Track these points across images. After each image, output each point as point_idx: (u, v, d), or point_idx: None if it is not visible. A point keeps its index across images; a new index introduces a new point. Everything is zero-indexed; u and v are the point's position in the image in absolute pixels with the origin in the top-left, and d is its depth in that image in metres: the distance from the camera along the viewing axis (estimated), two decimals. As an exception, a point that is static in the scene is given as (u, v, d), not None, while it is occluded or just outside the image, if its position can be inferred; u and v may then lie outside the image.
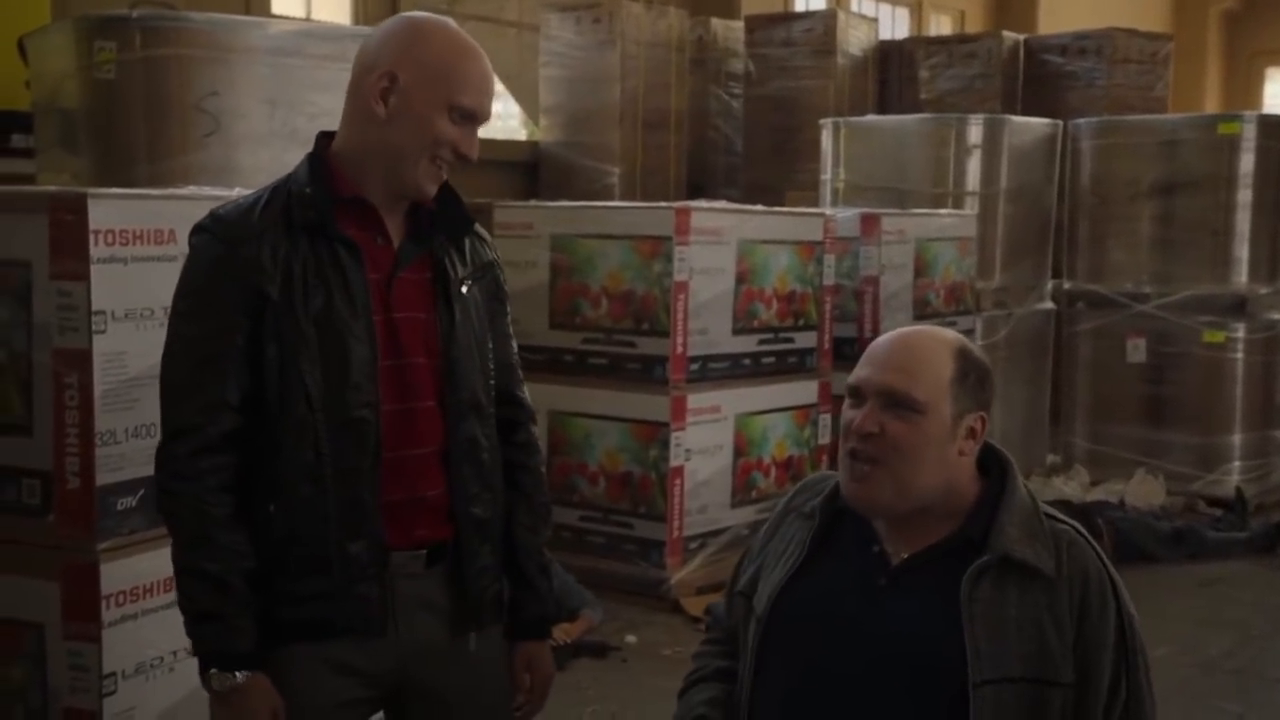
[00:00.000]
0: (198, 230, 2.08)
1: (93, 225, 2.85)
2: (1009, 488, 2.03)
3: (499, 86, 9.90)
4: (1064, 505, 6.27)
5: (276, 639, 2.06)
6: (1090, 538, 2.06)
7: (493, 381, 2.21)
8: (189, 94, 4.10)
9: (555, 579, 4.94)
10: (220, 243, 2.04)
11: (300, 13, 7.93)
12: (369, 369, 2.04)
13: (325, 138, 2.14)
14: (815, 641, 2.04)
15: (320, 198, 2.05)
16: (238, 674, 2.01)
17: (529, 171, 8.71)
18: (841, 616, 2.03)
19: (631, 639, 4.90)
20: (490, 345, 2.22)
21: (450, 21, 2.12)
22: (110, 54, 4.09)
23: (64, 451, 2.92)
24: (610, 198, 8.14)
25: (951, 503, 2.03)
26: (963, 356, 2.03)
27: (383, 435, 2.05)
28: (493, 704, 2.27)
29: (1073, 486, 6.97)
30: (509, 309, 2.33)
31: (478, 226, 2.26)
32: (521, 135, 9.56)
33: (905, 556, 2.03)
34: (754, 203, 8.21)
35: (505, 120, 10.06)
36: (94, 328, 2.86)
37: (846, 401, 2.08)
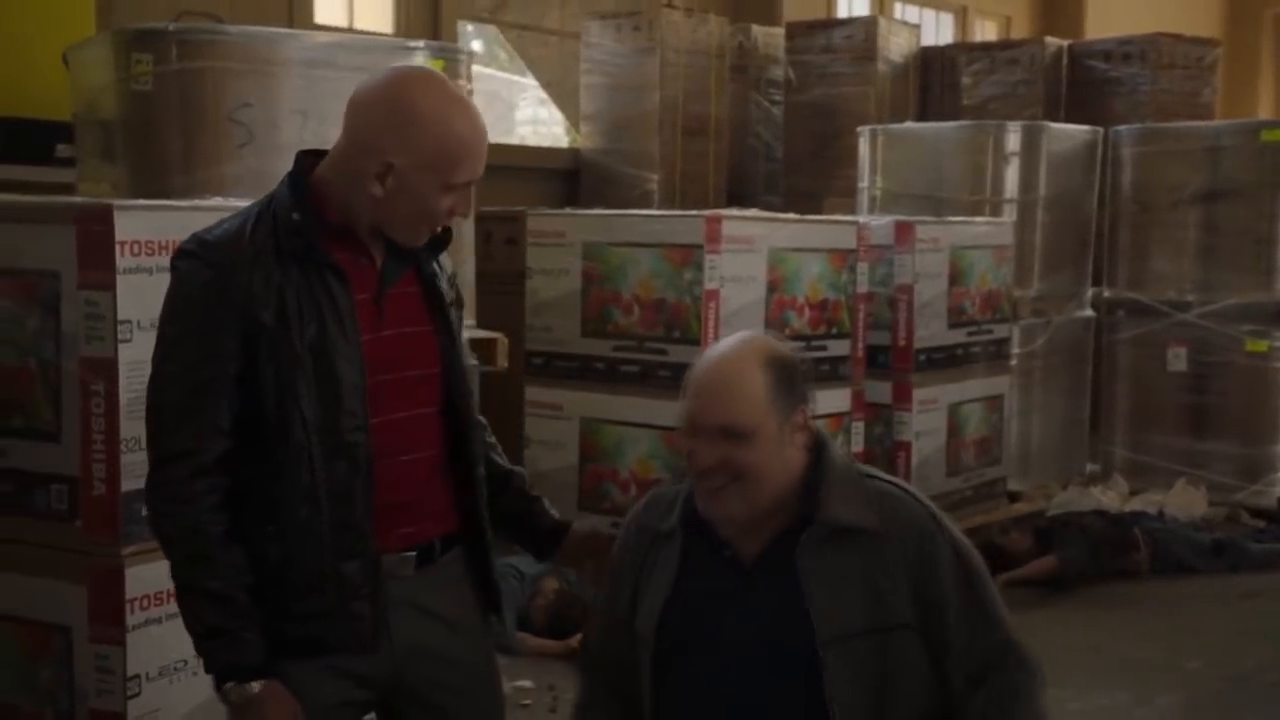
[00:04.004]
0: (184, 255, 2.10)
1: (119, 236, 2.91)
2: (824, 462, 2.18)
3: (540, 94, 9.97)
4: (1100, 515, 6.24)
5: (276, 653, 2.10)
6: (910, 489, 2.24)
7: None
8: (223, 105, 4.17)
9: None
10: (210, 268, 2.06)
11: (342, 22, 8.01)
12: (359, 393, 2.09)
13: (306, 157, 2.17)
14: (700, 663, 2.15)
15: (307, 226, 2.09)
16: (254, 684, 2.05)
17: (570, 179, 8.76)
18: (713, 631, 2.15)
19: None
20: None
21: (436, 80, 2.13)
22: (147, 66, 4.16)
23: (90, 458, 2.98)
24: (650, 205, 8.17)
25: (782, 491, 2.15)
26: (772, 365, 2.14)
27: (376, 447, 2.10)
28: (487, 705, 2.31)
29: (1111, 496, 6.92)
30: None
31: None
32: (564, 142, 9.62)
33: (754, 555, 2.16)
34: (794, 209, 8.23)
35: (549, 126, 10.12)
36: (120, 336, 2.91)
37: (681, 429, 2.19)
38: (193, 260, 2.09)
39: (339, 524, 2.08)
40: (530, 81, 9.97)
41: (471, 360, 4.54)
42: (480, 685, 2.30)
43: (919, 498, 2.22)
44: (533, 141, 9.82)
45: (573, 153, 8.93)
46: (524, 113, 10.68)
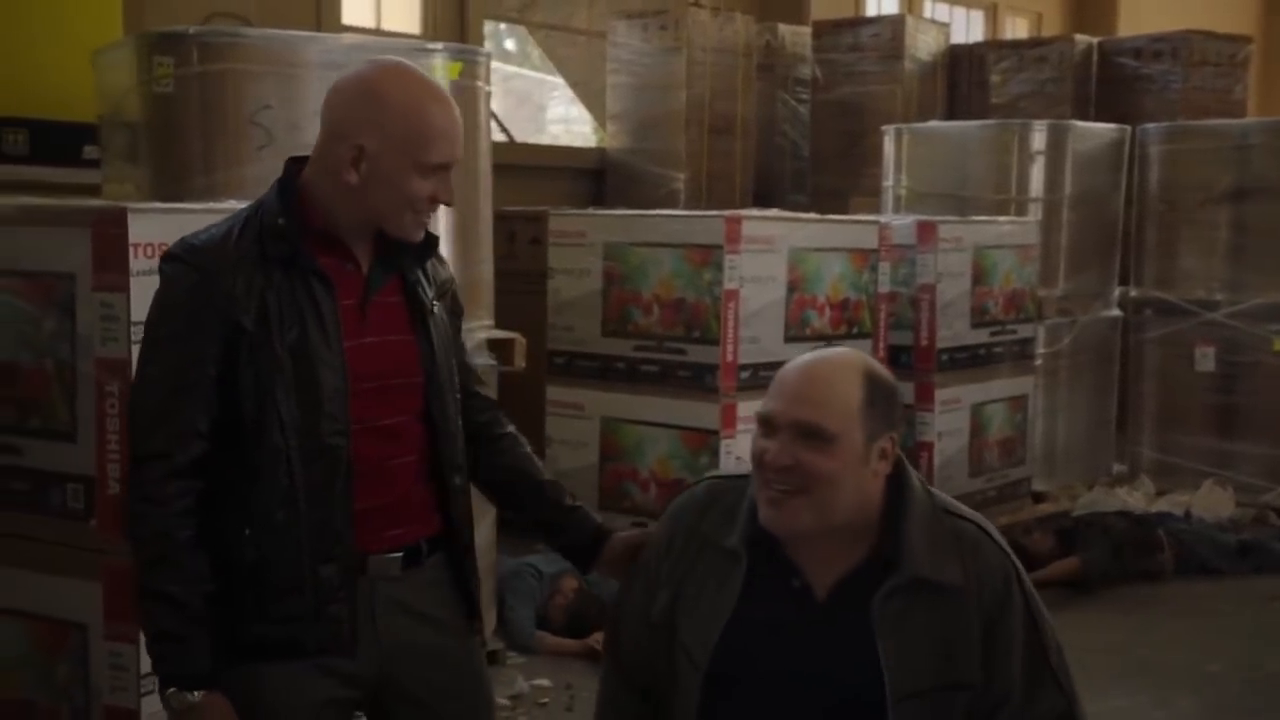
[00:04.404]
0: (170, 259, 2.13)
1: (133, 239, 2.95)
2: (906, 496, 2.06)
3: (568, 92, 9.99)
4: (1124, 516, 6.20)
5: (253, 656, 2.12)
6: (989, 529, 2.11)
7: (459, 396, 2.30)
8: (243, 108, 4.20)
9: (609, 583, 5.05)
10: (195, 272, 2.08)
11: (370, 23, 8.05)
12: (341, 397, 2.10)
13: (295, 163, 2.19)
14: (757, 696, 2.07)
15: (292, 231, 2.10)
16: (194, 693, 2.06)
17: (597, 178, 8.78)
18: (775, 664, 2.05)
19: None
20: (454, 363, 2.30)
21: (406, 69, 2.14)
22: (168, 69, 4.19)
23: (105, 458, 3.02)
24: (676, 204, 8.18)
25: (860, 519, 2.06)
26: (870, 380, 2.04)
27: (359, 451, 2.12)
28: (475, 704, 2.33)
29: (1136, 497, 6.88)
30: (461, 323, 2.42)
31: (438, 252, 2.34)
32: (593, 141, 9.64)
33: (828, 588, 2.06)
34: (821, 208, 8.22)
35: (579, 125, 10.14)
36: (133, 338, 2.94)
37: (758, 429, 2.08)
38: (178, 264, 2.11)
39: (317, 527, 2.10)
40: (562, 80, 10.00)
41: (490, 360, 4.58)
42: (468, 685, 2.31)
43: (999, 542, 2.10)
44: (565, 141, 9.85)
45: (599, 152, 8.95)
46: (555, 111, 10.71)
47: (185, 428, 2.06)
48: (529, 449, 2.47)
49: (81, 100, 5.34)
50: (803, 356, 2.11)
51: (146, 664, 2.94)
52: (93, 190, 4.90)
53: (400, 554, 2.19)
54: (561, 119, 10.62)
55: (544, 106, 10.73)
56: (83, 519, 3.08)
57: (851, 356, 2.10)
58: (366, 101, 2.10)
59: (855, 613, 2.01)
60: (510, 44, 10.15)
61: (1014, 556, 2.11)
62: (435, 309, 2.24)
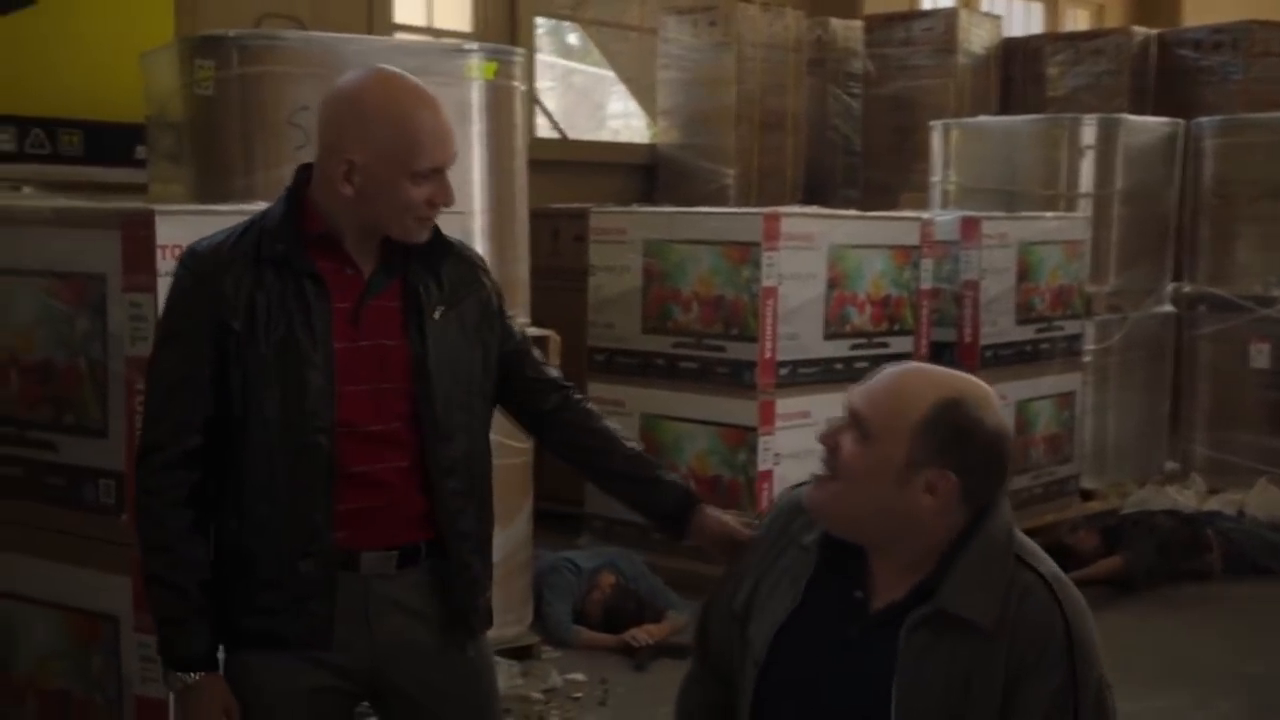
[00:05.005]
0: (179, 263, 2.22)
1: (160, 240, 3.03)
2: (976, 534, 1.95)
3: (620, 88, 10.01)
4: (1172, 515, 6.13)
5: (244, 643, 2.19)
6: (1059, 589, 1.94)
7: (480, 402, 2.30)
8: (281, 109, 4.26)
9: (646, 579, 5.08)
10: (191, 276, 2.17)
11: (421, 22, 8.13)
12: (325, 396, 2.14)
13: (305, 170, 2.23)
14: (804, 704, 2.03)
15: (287, 233, 2.15)
16: (192, 675, 2.15)
17: (648, 174, 8.80)
18: (822, 674, 2.01)
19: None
20: (477, 365, 2.28)
21: (390, 76, 2.16)
22: (209, 71, 4.27)
23: (134, 454, 3.08)
24: (725, 200, 8.18)
25: (920, 550, 1.96)
26: (943, 409, 1.92)
27: (347, 456, 2.15)
28: (475, 703, 2.35)
29: (1187, 495, 6.79)
30: (505, 312, 2.38)
31: (465, 249, 2.35)
32: (649, 138, 9.65)
33: (881, 608, 1.99)
34: (873, 203, 8.20)
35: (636, 121, 10.16)
36: (161, 337, 3.02)
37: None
38: (181, 268, 2.21)
39: (296, 523, 2.15)
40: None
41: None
42: (468, 685, 2.33)
43: (1060, 601, 1.92)
44: (625, 137, 9.87)
45: (650, 148, 8.97)
46: (615, 107, 10.73)
47: (180, 422, 2.14)
48: (605, 423, 2.41)
49: (133, 102, 5.46)
50: (899, 365, 2.05)
51: (175, 655, 3.07)
52: (143, 190, 5.00)
53: (395, 552, 2.22)
54: (621, 114, 10.64)
55: (601, 105, 10.76)
56: (114, 514, 3.16)
57: (950, 384, 1.97)
58: (352, 114, 2.13)
59: (890, 640, 1.94)
60: (574, 39, 10.18)
61: (1076, 626, 1.92)
62: (439, 313, 2.23)
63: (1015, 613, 1.90)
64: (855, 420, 1.97)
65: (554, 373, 2.46)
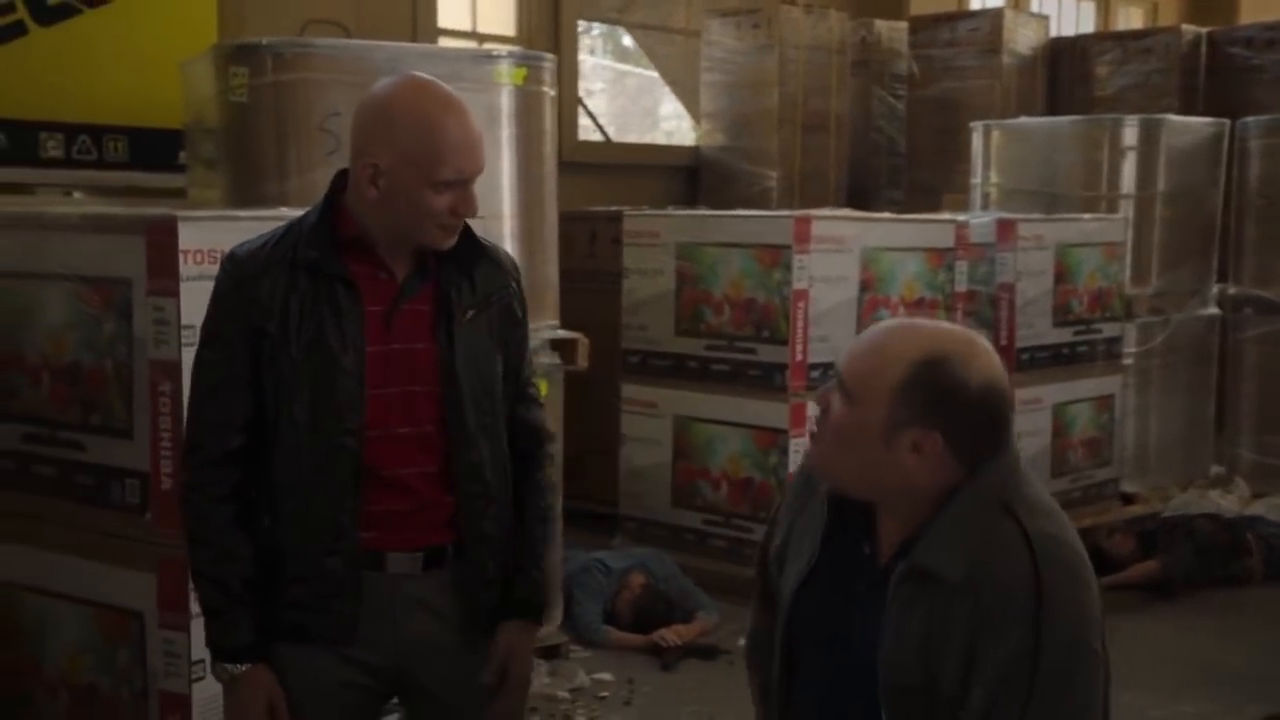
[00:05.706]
0: (220, 266, 2.29)
1: (183, 246, 3.10)
2: (964, 490, 1.92)
3: (665, 90, 10.03)
4: (1212, 519, 6.07)
5: (278, 635, 2.26)
6: (1039, 548, 1.86)
7: (500, 405, 2.33)
8: (313, 115, 4.34)
9: (677, 580, 5.11)
10: (230, 279, 2.25)
11: (466, 26, 8.20)
12: (354, 399, 2.19)
13: (342, 176, 2.27)
14: (823, 651, 2.06)
15: (321, 237, 2.21)
16: (238, 665, 2.23)
17: (691, 176, 8.83)
18: (835, 626, 2.03)
19: (744, 642, 4.96)
20: (499, 371, 2.33)
21: (422, 84, 2.19)
22: (243, 78, 4.36)
23: (159, 454, 3.18)
24: (769, 202, 8.19)
25: (916, 505, 1.96)
26: (922, 369, 1.89)
27: (377, 459, 2.21)
28: (498, 703, 2.38)
29: (1230, 499, 6.72)
30: (525, 330, 2.43)
31: (500, 252, 2.38)
32: (691, 139, 9.68)
33: (884, 562, 1.98)
34: (917, 204, 8.18)
35: (683, 122, 10.19)
36: (183, 340, 3.09)
37: None
38: (221, 272, 2.29)
39: (323, 521, 2.21)
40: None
41: (554, 360, 4.67)
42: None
43: (1041, 567, 1.85)
44: (677, 139, 9.90)
45: (694, 150, 8.99)
46: (666, 109, 10.76)
47: (220, 421, 2.23)
48: (542, 506, 2.43)
49: (177, 108, 5.56)
50: (887, 322, 2.05)
51: (197, 651, 3.15)
52: (184, 195, 5.11)
53: (421, 553, 2.28)
54: (673, 116, 10.67)
55: (655, 107, 10.79)
56: (139, 512, 3.24)
57: (925, 338, 1.93)
58: (380, 119, 2.17)
59: (884, 593, 1.95)
60: (628, 41, 10.22)
61: (1050, 585, 1.85)
62: (469, 317, 2.27)
63: (985, 569, 1.86)
64: (838, 381, 1.98)
65: (536, 414, 2.45)
